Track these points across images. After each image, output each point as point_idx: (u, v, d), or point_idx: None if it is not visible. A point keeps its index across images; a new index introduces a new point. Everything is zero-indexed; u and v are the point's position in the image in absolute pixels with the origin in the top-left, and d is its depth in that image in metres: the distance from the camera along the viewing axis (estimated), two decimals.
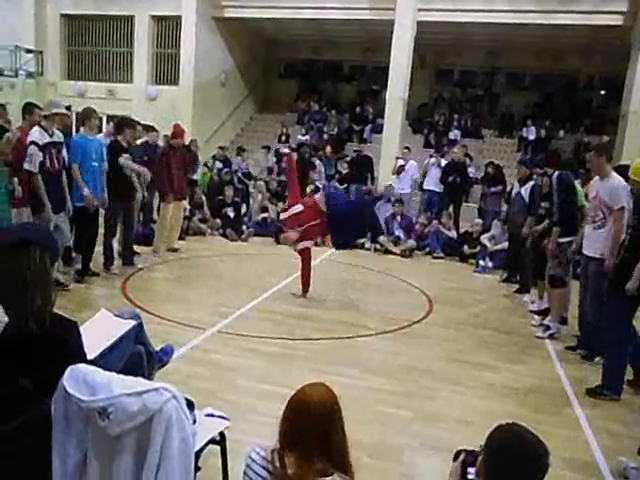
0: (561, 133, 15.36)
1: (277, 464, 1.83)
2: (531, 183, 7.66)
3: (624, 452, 3.51)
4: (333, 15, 14.91)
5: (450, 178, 11.09)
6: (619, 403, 4.39)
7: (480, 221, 10.12)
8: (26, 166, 5.63)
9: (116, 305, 5.38)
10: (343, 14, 14.82)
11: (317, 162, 13.39)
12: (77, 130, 7.10)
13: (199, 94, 15.51)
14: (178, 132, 8.44)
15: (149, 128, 9.24)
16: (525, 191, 7.69)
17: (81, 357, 2.04)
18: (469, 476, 1.85)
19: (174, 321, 5.47)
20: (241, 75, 17.77)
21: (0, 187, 5.40)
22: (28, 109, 6.02)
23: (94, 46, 17.34)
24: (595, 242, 5.13)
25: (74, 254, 6.60)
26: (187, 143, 10.45)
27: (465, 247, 9.69)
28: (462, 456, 1.92)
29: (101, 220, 6.92)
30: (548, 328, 5.91)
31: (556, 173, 5.97)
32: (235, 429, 2.86)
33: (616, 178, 5.03)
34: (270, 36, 18.66)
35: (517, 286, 7.80)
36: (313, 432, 1.83)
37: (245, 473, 1.90)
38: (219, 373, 4.42)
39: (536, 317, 6.48)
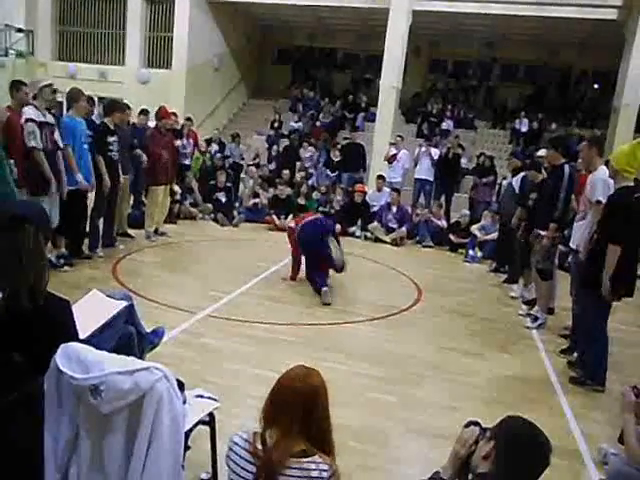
0: (553, 126, 15.42)
1: (259, 446, 1.86)
2: (522, 174, 7.70)
3: (605, 439, 3.59)
4: (328, 2, 14.84)
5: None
6: (601, 391, 4.46)
7: (468, 212, 10.19)
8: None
9: (107, 288, 5.37)
10: (338, 1, 14.74)
11: (309, 148, 13.39)
12: (67, 110, 7.02)
13: (192, 78, 15.41)
14: (164, 113, 8.25)
15: (141, 112, 9.22)
16: (516, 182, 7.73)
17: (73, 335, 2.06)
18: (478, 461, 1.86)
19: (164, 304, 5.48)
20: (234, 60, 17.66)
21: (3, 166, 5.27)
22: (15, 87, 5.83)
23: (86, 27, 17.16)
24: (575, 234, 5.20)
25: (60, 237, 6.57)
26: (179, 127, 10.42)
27: (452, 236, 9.75)
28: (478, 430, 1.94)
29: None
30: (536, 319, 5.97)
31: (567, 167, 5.69)
32: (224, 411, 2.89)
33: (602, 172, 4.94)
34: (264, 21, 18.53)
35: (505, 276, 7.87)
36: (296, 412, 1.86)
37: (227, 456, 1.93)
38: (208, 356, 4.45)
39: (523, 307, 6.56)
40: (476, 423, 1.98)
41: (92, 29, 17.09)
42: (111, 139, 6.99)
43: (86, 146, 6.50)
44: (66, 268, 6.27)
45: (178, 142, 9.79)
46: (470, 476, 1.88)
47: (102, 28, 16.99)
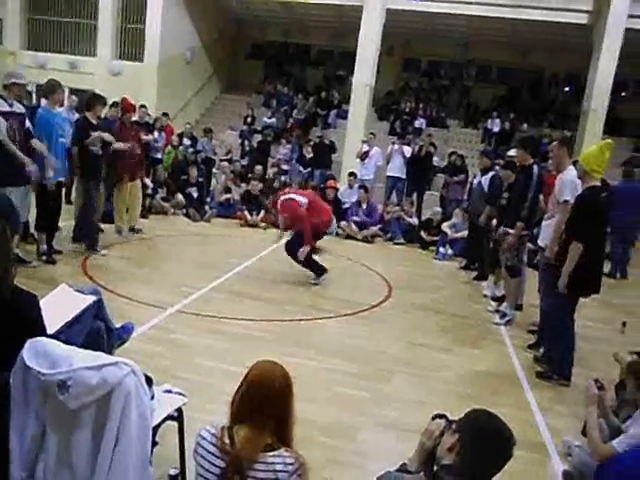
0: (525, 126, 15.67)
1: (226, 440, 1.86)
2: (491, 173, 7.82)
3: (570, 432, 3.67)
4: None
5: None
6: (567, 386, 4.56)
7: (439, 209, 10.29)
8: None
9: (76, 283, 5.29)
10: None
11: (287, 146, 13.41)
12: (38, 103, 6.88)
13: (164, 71, 15.23)
14: (127, 106, 7.94)
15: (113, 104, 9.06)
16: (485, 181, 7.85)
17: (41, 330, 2.03)
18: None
19: (134, 300, 5.43)
20: (207, 54, 17.50)
21: None
22: None
23: (57, 16, 16.81)
24: (544, 233, 5.31)
25: (35, 233, 6.44)
26: (151, 121, 10.29)
27: (423, 233, 9.82)
28: (444, 422, 1.98)
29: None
30: (505, 315, 6.08)
31: (536, 167, 5.79)
32: (193, 407, 2.88)
33: (570, 173, 5.04)
34: (238, 15, 18.41)
35: (475, 273, 7.98)
36: (270, 408, 1.88)
37: (195, 451, 1.92)
38: (178, 352, 4.42)
39: (492, 303, 6.65)
40: (442, 416, 2.02)
41: (63, 18, 16.75)
42: (94, 134, 6.80)
43: (62, 139, 6.35)
44: (34, 264, 6.13)
45: (149, 136, 9.64)
46: (435, 467, 1.92)
47: (73, 17, 16.67)
